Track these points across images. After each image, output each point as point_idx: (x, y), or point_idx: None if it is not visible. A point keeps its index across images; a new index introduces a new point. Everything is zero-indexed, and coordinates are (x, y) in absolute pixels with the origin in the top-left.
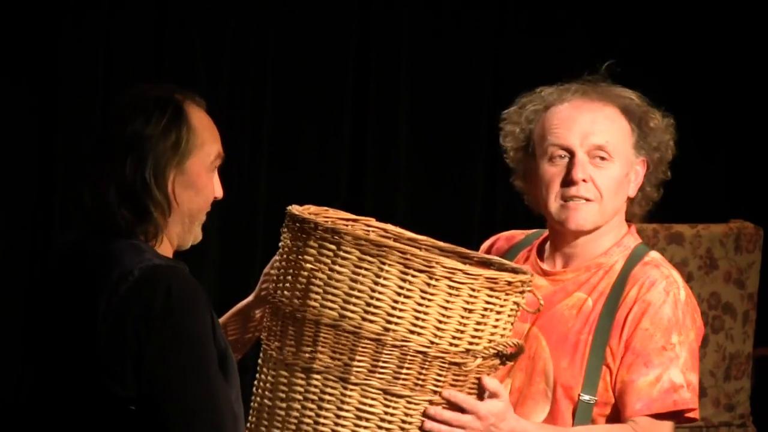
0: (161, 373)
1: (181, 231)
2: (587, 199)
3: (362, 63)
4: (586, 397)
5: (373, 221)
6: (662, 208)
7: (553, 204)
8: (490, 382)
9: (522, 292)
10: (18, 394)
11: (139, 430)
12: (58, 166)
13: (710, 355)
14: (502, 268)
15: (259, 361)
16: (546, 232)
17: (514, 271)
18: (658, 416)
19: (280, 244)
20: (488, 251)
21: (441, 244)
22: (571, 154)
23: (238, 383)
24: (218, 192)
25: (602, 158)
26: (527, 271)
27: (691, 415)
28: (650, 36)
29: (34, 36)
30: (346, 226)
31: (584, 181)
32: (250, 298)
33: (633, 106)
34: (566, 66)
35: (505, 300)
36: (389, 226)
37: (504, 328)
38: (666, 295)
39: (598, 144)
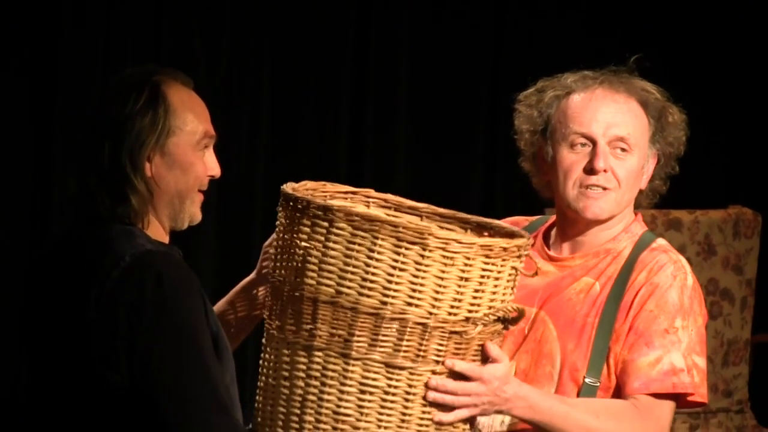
0: (154, 360)
1: (171, 212)
2: (605, 188)
3: (361, 43)
4: (590, 380)
5: (372, 192)
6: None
7: (571, 191)
8: (493, 348)
9: (519, 257)
10: (16, 391)
11: (133, 416)
12: (57, 168)
13: (708, 341)
14: (501, 232)
15: (263, 340)
16: (551, 218)
17: (512, 234)
18: (659, 396)
19: (276, 223)
20: None
21: (441, 210)
22: (593, 143)
23: (232, 366)
24: (214, 170)
25: (623, 149)
26: (524, 235)
27: (695, 399)
28: (649, 21)
29: (34, 36)
30: (345, 198)
31: (605, 171)
32: (253, 274)
33: (653, 100)
34: (564, 48)
35: (502, 266)
36: (389, 196)
37: (504, 293)
38: (673, 279)
39: (620, 135)
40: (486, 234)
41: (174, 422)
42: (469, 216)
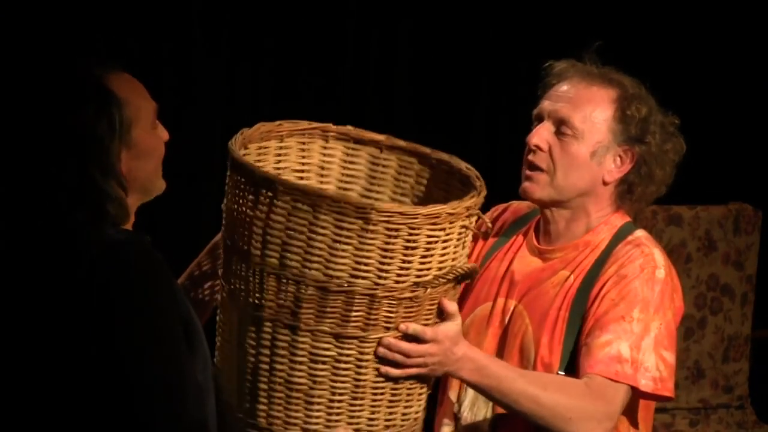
0: (121, 353)
1: (142, 195)
2: (540, 169)
3: (361, 30)
4: (563, 374)
5: (331, 126)
6: None
7: (522, 172)
8: (449, 305)
9: (469, 216)
10: None
11: (103, 408)
12: None
13: (709, 336)
14: (458, 173)
15: (217, 296)
16: None
17: (467, 181)
18: (613, 380)
19: (226, 181)
20: (499, 215)
21: (401, 143)
22: (541, 121)
23: (205, 351)
24: (166, 136)
25: (565, 132)
26: (477, 187)
27: (661, 392)
28: (643, 16)
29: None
30: (303, 134)
31: (539, 147)
32: (219, 235)
33: (622, 92)
34: (559, 38)
35: (450, 228)
36: (349, 128)
37: (455, 253)
38: (640, 272)
39: (560, 116)
40: (443, 168)
41: (139, 413)
42: (429, 151)
